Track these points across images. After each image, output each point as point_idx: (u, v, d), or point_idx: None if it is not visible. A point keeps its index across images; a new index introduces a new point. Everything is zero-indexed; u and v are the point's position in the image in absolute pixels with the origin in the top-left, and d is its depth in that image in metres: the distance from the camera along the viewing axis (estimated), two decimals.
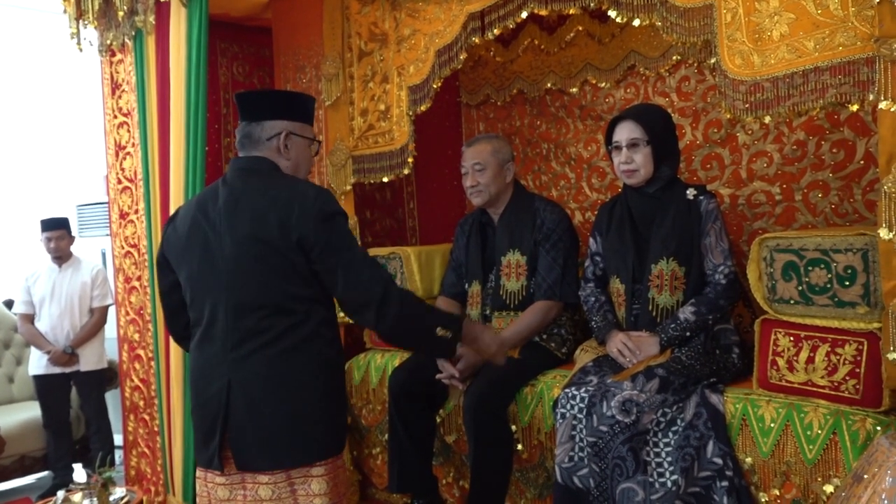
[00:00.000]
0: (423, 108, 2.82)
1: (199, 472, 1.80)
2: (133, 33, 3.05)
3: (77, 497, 2.67)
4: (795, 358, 1.92)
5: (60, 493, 2.70)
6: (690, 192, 2.24)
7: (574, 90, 3.29)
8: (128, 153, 3.24)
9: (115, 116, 3.30)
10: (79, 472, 3.89)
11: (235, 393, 1.67)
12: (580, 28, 3.19)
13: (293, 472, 1.70)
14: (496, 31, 2.57)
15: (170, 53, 2.86)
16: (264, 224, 1.67)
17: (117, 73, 3.26)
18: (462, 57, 2.67)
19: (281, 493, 1.69)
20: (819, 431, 1.82)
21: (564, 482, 2.06)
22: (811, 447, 1.82)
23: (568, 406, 2.09)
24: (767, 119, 1.96)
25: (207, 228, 1.73)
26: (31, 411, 4.00)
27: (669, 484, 1.92)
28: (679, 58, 2.90)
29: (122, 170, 3.27)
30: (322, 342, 1.72)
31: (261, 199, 1.70)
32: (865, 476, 1.25)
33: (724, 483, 1.89)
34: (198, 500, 1.80)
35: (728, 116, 2.24)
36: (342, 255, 1.68)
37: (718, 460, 1.91)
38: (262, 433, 1.67)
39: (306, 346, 1.70)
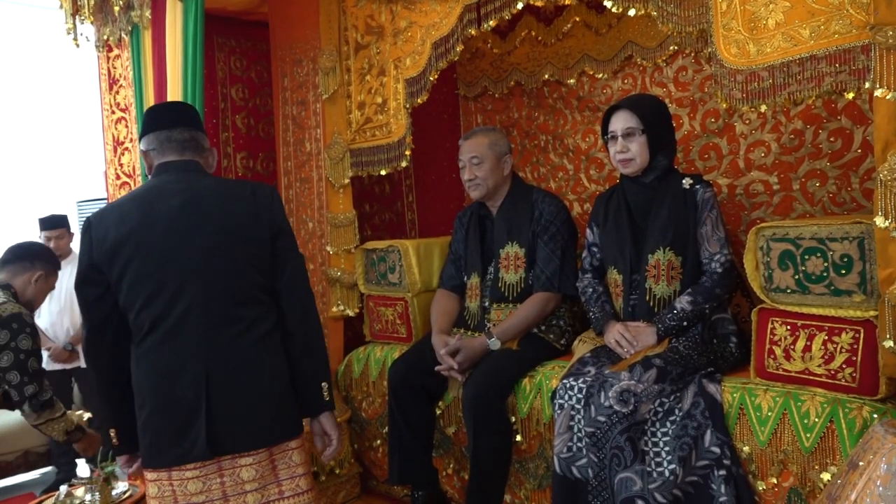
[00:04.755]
0: (420, 100, 2.83)
1: (154, 475, 1.73)
2: (129, 28, 3.03)
3: (80, 492, 2.68)
4: (792, 347, 1.92)
5: (63, 488, 2.70)
6: (686, 182, 2.24)
7: (571, 81, 3.29)
8: (126, 149, 3.23)
9: (113, 112, 3.29)
10: (82, 468, 3.90)
11: (215, 381, 1.70)
12: (577, 19, 3.18)
13: (274, 449, 1.78)
14: (492, 23, 2.57)
15: (166, 48, 2.85)
16: (237, 215, 1.79)
17: (114, 68, 3.26)
18: (459, 49, 2.67)
19: (263, 472, 1.76)
20: (816, 420, 1.82)
21: (563, 472, 2.07)
22: (808, 435, 1.82)
23: (566, 397, 2.10)
24: (764, 108, 1.96)
25: (165, 226, 1.73)
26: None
27: (667, 473, 1.92)
28: (676, 48, 2.89)
29: (121, 165, 3.26)
30: (280, 332, 1.82)
31: (225, 192, 1.82)
32: (861, 463, 1.25)
33: (722, 472, 1.90)
34: (155, 502, 1.73)
35: (725, 106, 2.24)
36: (293, 242, 1.87)
37: (716, 449, 1.92)
38: (246, 416, 1.73)
39: (274, 333, 1.80)
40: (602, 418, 1.99)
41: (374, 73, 2.98)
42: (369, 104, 2.99)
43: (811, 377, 1.89)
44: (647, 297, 2.23)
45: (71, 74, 4.86)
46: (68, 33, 3.10)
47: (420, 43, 2.79)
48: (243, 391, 1.73)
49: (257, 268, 1.78)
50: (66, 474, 3.75)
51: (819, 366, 1.87)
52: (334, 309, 3.10)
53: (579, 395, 2.06)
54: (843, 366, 1.83)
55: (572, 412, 2.07)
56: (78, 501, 2.66)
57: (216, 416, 1.70)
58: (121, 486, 2.75)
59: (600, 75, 3.17)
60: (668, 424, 1.99)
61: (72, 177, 5.10)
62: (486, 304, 2.65)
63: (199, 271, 1.73)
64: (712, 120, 2.83)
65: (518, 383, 2.43)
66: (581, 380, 2.09)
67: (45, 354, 3.86)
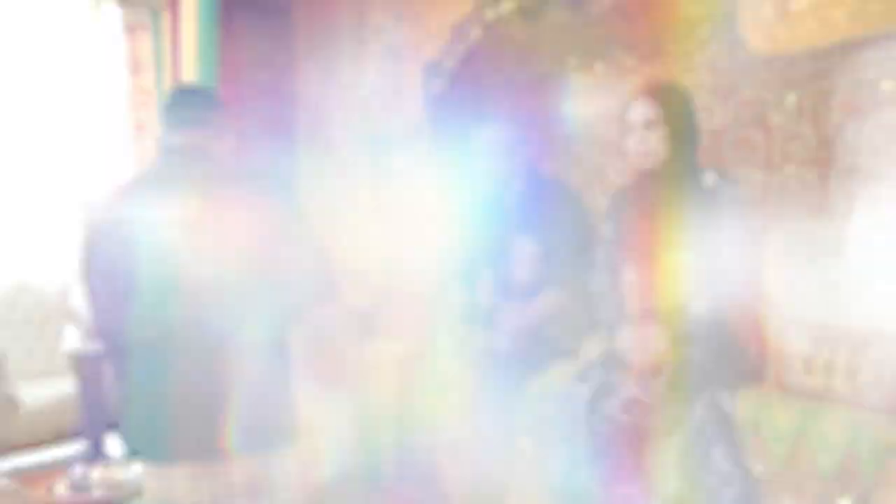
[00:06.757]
0: (438, 87, 2.75)
1: (152, 467, 1.79)
2: (149, 11, 3.04)
3: (95, 474, 2.74)
4: (814, 360, 1.79)
5: (77, 468, 2.76)
6: (710, 178, 2.10)
7: (598, 67, 3.13)
8: (147, 132, 3.26)
9: (137, 95, 3.31)
10: (111, 444, 3.97)
11: (207, 384, 1.69)
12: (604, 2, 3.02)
13: (272, 455, 1.77)
14: (516, 6, 2.46)
15: (182, 30, 2.84)
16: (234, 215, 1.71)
17: (137, 50, 3.27)
18: (479, 33, 2.57)
19: (255, 478, 1.75)
20: (837, 440, 1.68)
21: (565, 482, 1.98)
22: (827, 457, 1.69)
23: (571, 402, 2.01)
24: (795, 97, 1.81)
25: (167, 219, 1.70)
26: (68, 385, 4.11)
27: (673, 489, 1.82)
28: (706, 33, 2.71)
29: (142, 149, 3.29)
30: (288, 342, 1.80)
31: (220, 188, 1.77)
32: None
33: (732, 490, 1.78)
34: (150, 494, 1.78)
35: (756, 95, 2.09)
36: (301, 251, 1.80)
37: (726, 466, 1.80)
38: (237, 422, 1.70)
39: (284, 342, 1.78)
40: (608, 427, 1.89)
41: (394, 58, 2.91)
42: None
43: (833, 393, 1.76)
44: (662, 300, 2.11)
45: (100, 58, 4.89)
46: (90, 17, 3.12)
47: (438, 28, 2.71)
48: (235, 396, 1.70)
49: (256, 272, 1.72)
50: (98, 451, 3.80)
51: (842, 382, 1.74)
52: None
53: (584, 401, 1.97)
54: (869, 382, 1.69)
55: (577, 419, 1.98)
56: (92, 482, 2.73)
57: (206, 419, 1.68)
58: (132, 472, 2.79)
59: (628, 61, 3.01)
60: (676, 437, 1.88)
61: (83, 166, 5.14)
62: (497, 300, 2.56)
63: (195, 269, 1.68)
64: (744, 110, 2.64)
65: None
66: (587, 385, 2.00)
67: (79, 333, 3.92)
